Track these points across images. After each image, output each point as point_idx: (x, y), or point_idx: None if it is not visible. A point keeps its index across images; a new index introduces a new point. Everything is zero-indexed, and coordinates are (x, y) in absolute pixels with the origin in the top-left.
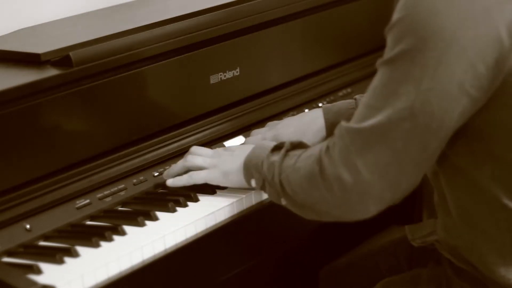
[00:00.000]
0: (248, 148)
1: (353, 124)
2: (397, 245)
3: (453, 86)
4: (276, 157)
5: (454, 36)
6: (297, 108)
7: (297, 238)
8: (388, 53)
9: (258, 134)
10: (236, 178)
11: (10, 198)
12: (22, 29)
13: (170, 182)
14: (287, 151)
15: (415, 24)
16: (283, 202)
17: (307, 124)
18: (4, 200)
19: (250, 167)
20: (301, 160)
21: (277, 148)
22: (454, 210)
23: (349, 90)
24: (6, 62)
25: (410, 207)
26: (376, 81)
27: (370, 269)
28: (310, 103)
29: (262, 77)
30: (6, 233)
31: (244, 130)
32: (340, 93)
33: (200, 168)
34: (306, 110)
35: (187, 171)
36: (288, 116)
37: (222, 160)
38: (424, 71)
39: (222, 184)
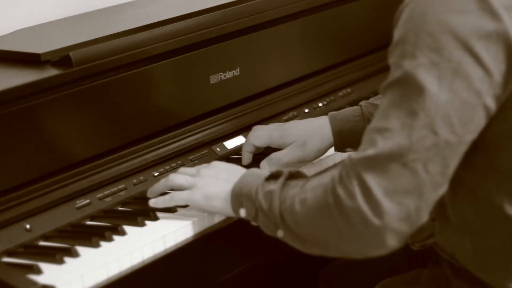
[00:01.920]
0: (236, 173)
1: (366, 152)
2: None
3: (472, 96)
4: (273, 186)
5: (466, 44)
6: (297, 108)
7: None
8: (395, 71)
9: (263, 130)
10: (220, 205)
11: (10, 198)
12: (22, 29)
13: (152, 202)
14: (286, 179)
15: (426, 36)
16: (280, 234)
17: (315, 128)
18: (4, 200)
19: (241, 196)
20: (307, 191)
21: (273, 177)
22: (455, 221)
23: (349, 90)
24: (6, 62)
25: None
26: (385, 104)
27: (370, 269)
28: (310, 103)
29: (262, 77)
30: (6, 233)
31: (244, 130)
32: (340, 93)
33: (181, 188)
34: (306, 110)
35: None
36: (288, 116)
37: (205, 181)
38: (441, 84)
39: (203, 208)
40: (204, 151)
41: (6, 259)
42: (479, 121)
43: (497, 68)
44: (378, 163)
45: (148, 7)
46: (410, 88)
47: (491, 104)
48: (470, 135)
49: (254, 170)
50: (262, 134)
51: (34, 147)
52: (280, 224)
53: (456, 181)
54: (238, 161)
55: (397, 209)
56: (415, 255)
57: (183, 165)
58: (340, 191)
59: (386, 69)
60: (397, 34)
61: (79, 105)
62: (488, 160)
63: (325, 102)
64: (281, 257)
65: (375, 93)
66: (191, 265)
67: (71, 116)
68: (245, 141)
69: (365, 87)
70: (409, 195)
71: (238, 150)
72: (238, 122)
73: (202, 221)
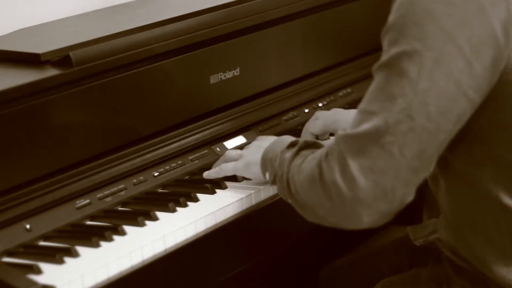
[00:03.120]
0: (272, 140)
1: (349, 130)
2: (398, 245)
3: (451, 86)
4: (288, 154)
5: (450, 36)
6: (297, 108)
7: (297, 238)
8: (384, 56)
9: (318, 120)
10: (256, 170)
11: (10, 198)
12: (22, 29)
13: (205, 174)
14: (299, 150)
15: (412, 25)
16: (289, 200)
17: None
18: (4, 200)
19: (266, 161)
20: (306, 162)
21: (292, 145)
22: (454, 213)
23: (349, 90)
24: (6, 62)
25: (409, 207)
26: (372, 86)
27: (371, 269)
28: (310, 103)
29: (262, 77)
30: (6, 233)
31: (244, 130)
32: (340, 93)
33: (233, 160)
34: (306, 110)
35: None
36: (288, 116)
37: (249, 151)
38: (421, 71)
39: (244, 175)
40: (204, 151)
41: (6, 259)
42: (461, 111)
43: (479, 60)
44: (358, 142)
45: (148, 7)
46: (392, 73)
47: (473, 95)
48: (450, 124)
49: (284, 137)
50: (318, 124)
51: (34, 147)
52: (287, 191)
53: (454, 173)
54: None
55: (372, 187)
56: (417, 254)
57: (183, 165)
58: (324, 165)
59: None
60: (389, 19)
61: (79, 105)
62: (484, 150)
63: (325, 102)
64: (281, 257)
65: None
66: (191, 265)
67: (71, 116)
68: (303, 130)
69: (365, 87)
70: (385, 175)
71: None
72: (238, 122)
73: (202, 221)
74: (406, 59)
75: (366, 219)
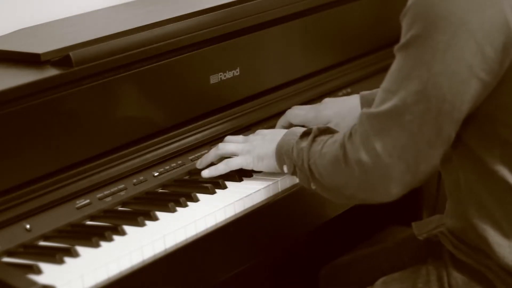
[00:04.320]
0: (279, 133)
1: (372, 109)
2: (399, 244)
3: (463, 69)
4: (304, 143)
5: (462, 20)
6: None
7: (297, 238)
8: (402, 38)
9: (300, 110)
10: (271, 163)
11: (10, 198)
12: (22, 29)
13: (206, 173)
14: (315, 137)
15: (426, 9)
16: (313, 186)
17: (348, 109)
18: (4, 200)
19: (282, 154)
20: (326, 146)
21: (305, 134)
22: (462, 193)
23: (349, 90)
24: (6, 62)
25: (409, 208)
26: (393, 66)
27: (372, 267)
28: (310, 103)
29: (262, 77)
30: (6, 233)
31: (244, 130)
32: (340, 93)
33: (233, 155)
34: None
35: (220, 159)
36: None
37: (254, 145)
38: (435, 54)
39: (257, 169)
40: (204, 151)
41: (6, 259)
42: (475, 92)
43: (491, 44)
44: (380, 121)
45: (148, 7)
46: (409, 55)
47: (486, 77)
48: (464, 105)
49: (293, 129)
50: (299, 114)
51: (34, 147)
52: (310, 178)
53: (466, 151)
54: None
55: (396, 162)
56: (418, 253)
57: (183, 165)
58: (348, 145)
59: (386, 69)
60: (408, 2)
61: (79, 105)
62: (492, 131)
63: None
64: (281, 257)
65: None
66: (191, 265)
67: (71, 116)
68: (282, 117)
69: (365, 87)
70: (407, 151)
71: None
72: (238, 122)
73: (201, 221)
74: (421, 42)
75: (394, 190)
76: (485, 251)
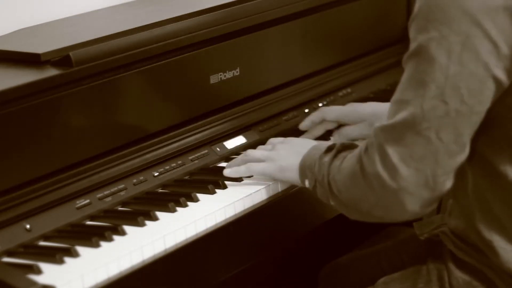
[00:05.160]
0: (307, 145)
1: (385, 122)
2: (400, 244)
3: (480, 68)
4: (327, 158)
5: (475, 18)
6: (297, 108)
7: (297, 238)
8: (412, 44)
9: (336, 107)
10: (291, 175)
11: (10, 198)
12: (22, 29)
13: (227, 172)
14: (338, 152)
15: (437, 11)
16: (332, 202)
17: (385, 109)
18: (4, 200)
19: (305, 168)
20: (346, 161)
21: (329, 149)
22: (471, 196)
23: (349, 90)
24: (6, 62)
25: None
26: (403, 76)
27: (372, 267)
28: (310, 103)
29: (262, 77)
30: (6, 233)
31: (244, 130)
32: (340, 93)
33: (259, 161)
34: (306, 110)
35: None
36: (288, 116)
37: (280, 154)
38: (450, 56)
39: (277, 178)
40: (204, 151)
41: (6, 259)
42: (490, 92)
43: (505, 41)
44: (396, 131)
45: (148, 7)
46: (422, 61)
47: (501, 76)
48: (481, 106)
49: (320, 143)
50: (335, 109)
51: (34, 147)
52: (329, 193)
53: (475, 153)
54: None
55: (414, 174)
56: (418, 253)
57: (183, 165)
58: (364, 159)
59: (386, 69)
60: (415, 8)
61: (79, 105)
62: (503, 133)
63: (325, 102)
64: (281, 257)
65: (375, 93)
66: (191, 265)
67: (71, 116)
68: (315, 112)
69: (365, 87)
70: (424, 162)
71: (238, 150)
72: (238, 122)
73: (201, 221)
74: (435, 45)
75: (410, 207)
76: (488, 254)
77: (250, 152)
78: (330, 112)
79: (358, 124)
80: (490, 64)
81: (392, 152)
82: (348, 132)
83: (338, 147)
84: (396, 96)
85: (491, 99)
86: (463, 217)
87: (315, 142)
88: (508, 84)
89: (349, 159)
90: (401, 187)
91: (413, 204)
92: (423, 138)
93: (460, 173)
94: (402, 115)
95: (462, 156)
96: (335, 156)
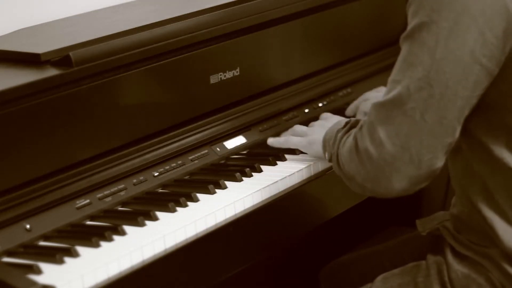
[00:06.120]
0: (336, 120)
1: (379, 100)
2: (401, 243)
3: (465, 55)
4: (340, 133)
5: (464, 6)
6: (297, 108)
7: (297, 238)
8: (408, 27)
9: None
10: (317, 149)
11: (10, 198)
12: (22, 29)
13: (270, 141)
14: (350, 128)
15: None
16: (339, 173)
17: None
18: (4, 200)
19: (326, 141)
20: (349, 137)
21: (346, 124)
22: (471, 180)
23: (349, 90)
24: (6, 62)
25: (409, 208)
26: (399, 57)
27: (373, 265)
28: (310, 103)
29: (262, 77)
30: (6, 233)
31: (244, 130)
32: (340, 93)
33: (298, 135)
34: (306, 110)
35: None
36: (288, 116)
37: (313, 129)
38: (438, 41)
39: (306, 151)
40: (204, 151)
41: (6, 259)
42: (477, 78)
43: (492, 30)
44: (385, 109)
45: (148, 7)
46: (414, 43)
47: (488, 63)
48: (467, 91)
49: (344, 118)
50: (373, 94)
51: (34, 147)
52: (337, 165)
53: (474, 139)
54: (238, 160)
55: (399, 151)
56: (419, 251)
57: (183, 165)
58: (358, 135)
59: (386, 69)
60: None
61: (79, 105)
62: (498, 118)
63: (325, 102)
64: (281, 257)
65: None
66: (191, 265)
67: (71, 116)
68: (359, 98)
69: (365, 87)
70: (409, 140)
71: (238, 150)
72: (238, 122)
73: (202, 221)
74: (425, 29)
75: (397, 184)
76: (490, 236)
77: (296, 126)
78: (371, 94)
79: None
80: (476, 52)
81: (380, 129)
82: (365, 108)
83: (353, 122)
84: (391, 76)
85: (481, 85)
86: (464, 202)
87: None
88: (497, 71)
89: (350, 135)
90: (387, 162)
91: (400, 180)
92: (408, 118)
93: (461, 159)
94: (391, 94)
95: (450, 138)
96: (347, 131)
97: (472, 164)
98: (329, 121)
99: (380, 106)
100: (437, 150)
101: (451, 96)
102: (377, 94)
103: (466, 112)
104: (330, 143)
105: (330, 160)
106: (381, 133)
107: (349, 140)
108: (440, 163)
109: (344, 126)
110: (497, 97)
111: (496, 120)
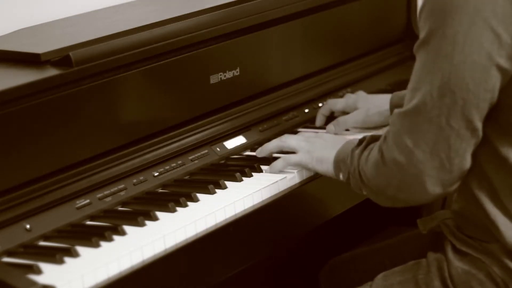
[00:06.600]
0: (340, 141)
1: (401, 109)
2: (401, 242)
3: (483, 58)
4: (358, 150)
5: (476, 8)
6: (297, 108)
7: (297, 238)
8: (421, 34)
9: (340, 99)
10: (326, 167)
11: (10, 198)
12: (22, 29)
13: (267, 168)
14: (368, 144)
15: (441, 2)
16: (364, 192)
17: (381, 99)
18: (4, 200)
19: (339, 161)
20: (371, 151)
21: (360, 142)
22: (477, 178)
23: (349, 90)
24: (6, 62)
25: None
26: (415, 65)
27: (373, 263)
28: (310, 103)
29: (262, 77)
30: (6, 233)
31: (244, 130)
32: (340, 93)
33: (293, 150)
34: (306, 110)
35: (279, 153)
36: (288, 116)
37: (316, 146)
38: (454, 46)
39: (314, 169)
40: (204, 151)
41: (6, 259)
42: (495, 80)
43: (506, 30)
44: (409, 118)
45: (148, 7)
46: (430, 50)
47: (505, 64)
48: (488, 93)
49: (353, 139)
50: (340, 100)
51: (34, 147)
52: (360, 183)
53: (483, 137)
54: (238, 160)
55: (429, 158)
56: (419, 251)
57: (183, 165)
58: (383, 147)
59: (386, 69)
60: (423, 1)
61: (79, 105)
62: (506, 118)
63: (325, 102)
64: (281, 257)
65: (375, 93)
66: (191, 265)
67: (71, 116)
68: (323, 106)
69: (365, 87)
70: (438, 146)
71: (238, 150)
72: (238, 122)
73: (202, 221)
74: (440, 35)
75: (431, 189)
76: (491, 231)
77: (286, 138)
78: (335, 104)
79: (354, 112)
80: (493, 53)
81: (407, 138)
82: (345, 120)
83: (368, 139)
84: (410, 84)
85: (497, 86)
86: (469, 199)
87: (348, 138)
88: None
89: (373, 149)
90: (419, 170)
91: (433, 185)
92: (434, 125)
93: (473, 155)
94: (414, 102)
95: (475, 139)
96: (365, 147)
97: (478, 161)
98: (328, 139)
99: (404, 115)
100: (465, 153)
101: (473, 100)
102: (343, 100)
103: (486, 112)
104: (347, 162)
105: (347, 179)
106: (408, 141)
107: (373, 155)
108: (469, 163)
109: (359, 143)
110: (505, 97)
111: (503, 120)
